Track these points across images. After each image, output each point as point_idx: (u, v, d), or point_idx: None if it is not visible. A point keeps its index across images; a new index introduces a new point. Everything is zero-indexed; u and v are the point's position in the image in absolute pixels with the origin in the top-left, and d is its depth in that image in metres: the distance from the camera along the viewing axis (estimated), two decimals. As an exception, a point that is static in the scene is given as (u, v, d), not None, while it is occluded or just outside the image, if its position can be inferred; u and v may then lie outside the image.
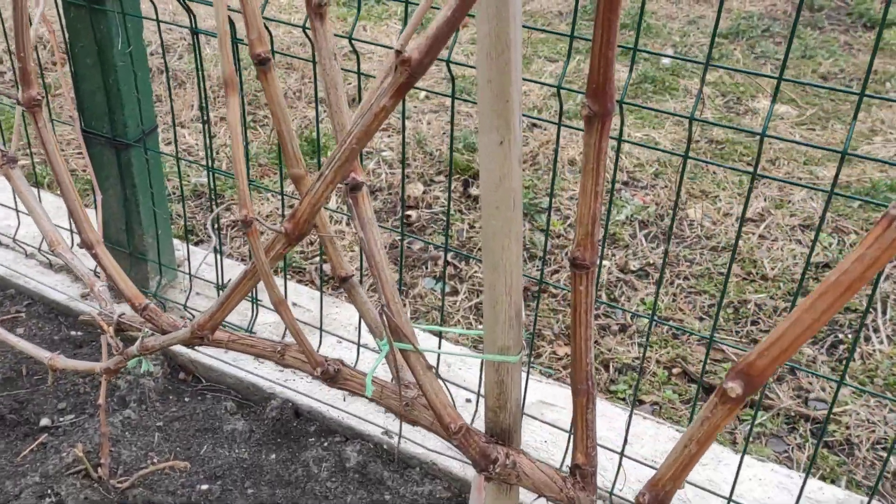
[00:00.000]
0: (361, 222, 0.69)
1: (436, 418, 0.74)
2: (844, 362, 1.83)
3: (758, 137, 3.41)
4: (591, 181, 0.64)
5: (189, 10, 1.35)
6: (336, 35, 0.86)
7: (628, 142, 1.19)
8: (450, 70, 1.17)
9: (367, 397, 0.80)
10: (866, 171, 3.09)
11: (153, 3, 1.43)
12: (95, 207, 1.35)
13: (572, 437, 0.79)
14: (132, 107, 1.62)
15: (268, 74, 0.74)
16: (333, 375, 0.82)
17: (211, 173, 1.54)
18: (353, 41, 1.17)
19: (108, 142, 1.65)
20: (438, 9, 0.58)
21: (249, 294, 1.25)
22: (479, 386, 1.47)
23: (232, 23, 1.10)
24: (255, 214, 0.70)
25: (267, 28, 0.91)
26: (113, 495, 1.42)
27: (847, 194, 2.22)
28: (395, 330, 0.72)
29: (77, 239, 1.05)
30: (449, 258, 2.46)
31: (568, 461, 1.22)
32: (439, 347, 1.49)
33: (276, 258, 0.74)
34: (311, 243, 2.52)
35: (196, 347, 0.89)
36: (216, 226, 1.81)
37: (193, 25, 1.38)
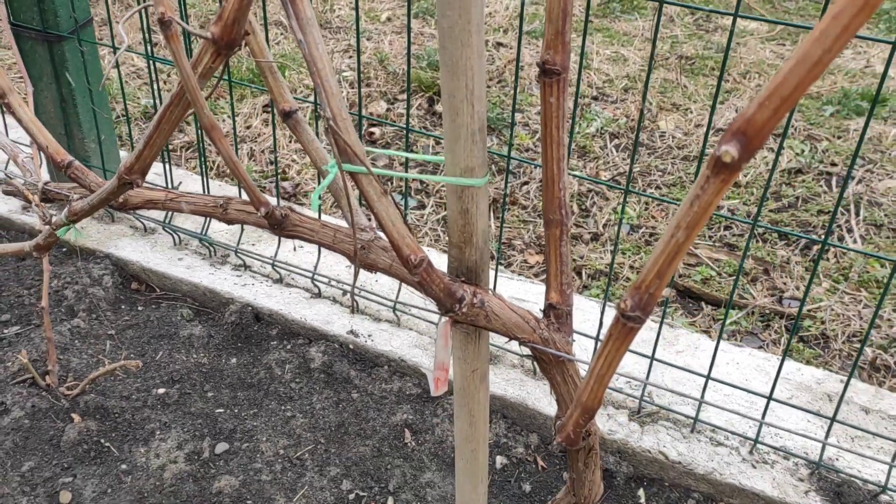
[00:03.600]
0: (299, 21, 0.60)
1: (394, 251, 0.66)
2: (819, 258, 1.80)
3: (730, 52, 3.33)
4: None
5: None
6: None
7: None
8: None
9: (315, 229, 0.72)
10: (837, 80, 3.05)
11: None
12: (28, 101, 1.24)
13: (546, 275, 0.72)
14: (63, -6, 1.49)
15: None
16: (280, 220, 0.74)
17: (152, 63, 1.43)
18: None
19: (39, 35, 1.53)
20: None
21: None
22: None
23: None
24: (173, 13, 0.61)
25: None
26: (63, 402, 1.34)
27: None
28: (344, 149, 0.64)
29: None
30: (415, 174, 2.37)
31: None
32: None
33: (205, 73, 0.65)
34: (272, 163, 2.42)
35: (145, 264, 0.80)
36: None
37: None
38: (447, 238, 0.73)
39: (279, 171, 2.35)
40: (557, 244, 0.70)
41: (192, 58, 0.65)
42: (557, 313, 0.72)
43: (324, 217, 1.65)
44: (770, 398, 1.18)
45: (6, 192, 0.94)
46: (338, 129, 0.63)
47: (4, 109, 0.86)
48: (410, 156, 0.69)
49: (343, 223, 1.57)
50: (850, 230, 2.18)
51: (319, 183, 0.75)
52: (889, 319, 1.86)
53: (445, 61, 0.63)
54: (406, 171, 1.63)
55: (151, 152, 0.72)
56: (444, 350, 0.74)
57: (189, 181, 1.82)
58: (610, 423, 1.29)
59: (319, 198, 0.71)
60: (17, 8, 1.53)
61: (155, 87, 1.70)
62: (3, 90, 0.82)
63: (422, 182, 2.36)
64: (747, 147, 0.47)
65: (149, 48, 1.44)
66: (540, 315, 0.74)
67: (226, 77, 1.46)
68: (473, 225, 0.69)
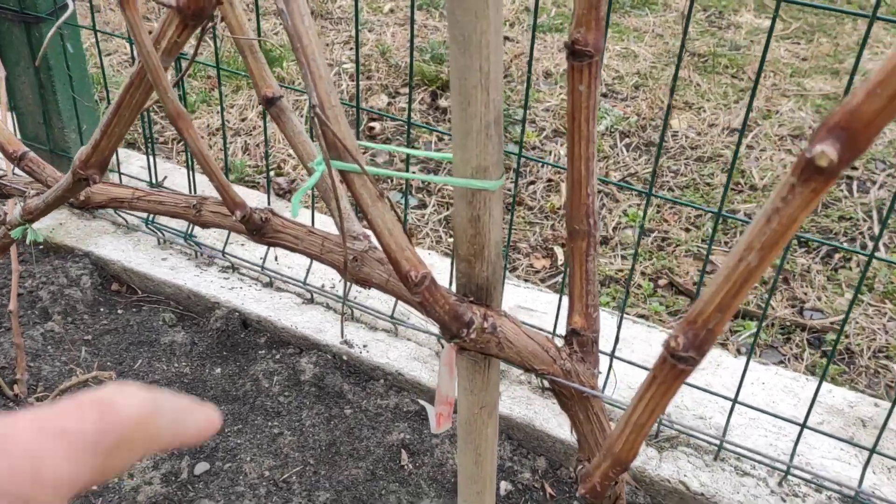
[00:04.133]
0: (282, -14, 0.49)
1: (391, 265, 0.55)
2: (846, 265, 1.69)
3: (741, 50, 3.22)
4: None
5: None
6: None
7: None
8: None
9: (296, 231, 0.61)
10: (856, 80, 2.93)
11: None
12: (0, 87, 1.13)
13: (567, 294, 0.62)
14: (40, -28, 1.39)
15: None
16: (260, 225, 0.63)
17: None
18: None
19: (15, 16, 1.42)
20: None
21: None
22: (451, 277, 1.30)
23: None
24: (131, -26, 0.50)
25: None
26: (29, 415, 1.23)
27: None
28: (333, 143, 0.53)
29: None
30: (416, 170, 2.27)
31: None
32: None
33: (170, 50, 0.54)
34: (268, 156, 2.31)
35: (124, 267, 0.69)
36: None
37: None
38: (453, 247, 0.62)
39: (274, 165, 2.25)
40: (583, 259, 0.60)
41: (155, 31, 0.54)
42: (581, 340, 0.62)
43: (317, 218, 1.54)
44: (804, 426, 1.08)
45: (-45, 187, 0.84)
46: (325, 118, 0.52)
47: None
48: (413, 152, 0.59)
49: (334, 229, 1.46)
50: (872, 238, 2.07)
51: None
52: (917, 334, 1.76)
53: (455, 37, 0.52)
54: (407, 170, 1.54)
55: (110, 143, 0.62)
56: (448, 381, 0.64)
57: (177, 175, 1.71)
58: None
59: (301, 201, 0.60)
60: (-9, -13, 1.42)
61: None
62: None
63: (421, 181, 2.25)
64: (850, 146, 0.36)
65: (131, 31, 1.33)
66: (558, 340, 0.63)
67: (214, 64, 1.36)
68: (485, 235, 0.58)
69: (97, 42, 1.39)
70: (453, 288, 1.25)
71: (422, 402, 1.26)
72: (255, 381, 1.33)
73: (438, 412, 0.65)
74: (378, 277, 0.62)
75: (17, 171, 0.85)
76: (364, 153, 1.68)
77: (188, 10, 0.51)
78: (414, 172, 2.25)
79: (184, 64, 1.42)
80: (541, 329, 1.27)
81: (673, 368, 0.46)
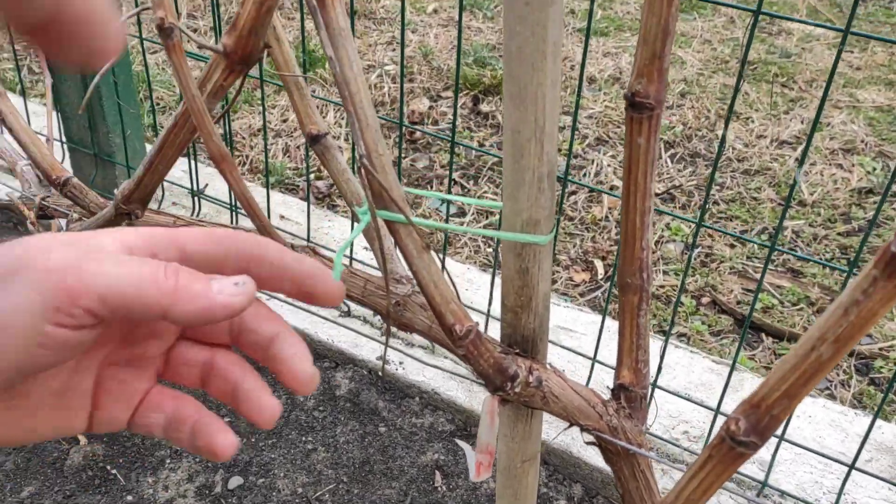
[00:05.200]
0: (330, 33, 0.47)
1: (435, 318, 0.54)
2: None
3: (793, 58, 3.13)
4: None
5: None
6: None
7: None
8: None
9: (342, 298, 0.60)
10: (912, 94, 2.84)
11: None
12: (46, 94, 1.14)
13: (618, 349, 0.59)
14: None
15: None
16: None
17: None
18: None
19: (64, 22, 1.43)
20: None
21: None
22: (489, 305, 1.28)
23: None
24: (176, 20, 0.49)
25: None
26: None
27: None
28: (380, 193, 0.51)
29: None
30: (456, 177, 2.25)
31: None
32: (443, 265, 1.29)
33: (215, 93, 0.53)
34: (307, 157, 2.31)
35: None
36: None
37: None
38: (501, 296, 0.60)
39: (315, 168, 2.25)
40: (635, 314, 0.57)
41: (202, 74, 0.53)
42: (629, 396, 0.59)
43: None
44: (852, 467, 1.04)
45: (2, 208, 0.85)
46: (372, 167, 0.51)
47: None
48: (463, 199, 0.57)
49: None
50: (927, 260, 2.00)
51: (351, 215, 0.62)
52: (971, 364, 1.69)
53: (510, 90, 0.50)
54: (450, 189, 1.50)
55: (153, 179, 0.61)
56: (489, 430, 0.62)
57: (217, 182, 1.71)
58: (664, 480, 1.16)
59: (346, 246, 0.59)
60: (41, -8, 1.43)
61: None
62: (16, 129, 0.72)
63: (463, 187, 2.23)
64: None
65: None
66: (598, 367, 0.61)
67: (257, 75, 1.35)
68: (533, 288, 0.56)
69: (142, 45, 1.39)
70: (494, 307, 1.23)
71: (461, 443, 1.25)
72: (290, 395, 1.32)
73: (478, 461, 0.64)
74: (421, 324, 0.60)
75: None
76: (406, 197, 1.66)
77: (235, 55, 0.50)
78: (458, 223, 2.23)
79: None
80: (581, 353, 1.24)
81: (731, 451, 0.43)
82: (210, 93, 0.53)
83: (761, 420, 0.41)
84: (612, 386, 0.61)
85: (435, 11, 3.38)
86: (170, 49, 0.50)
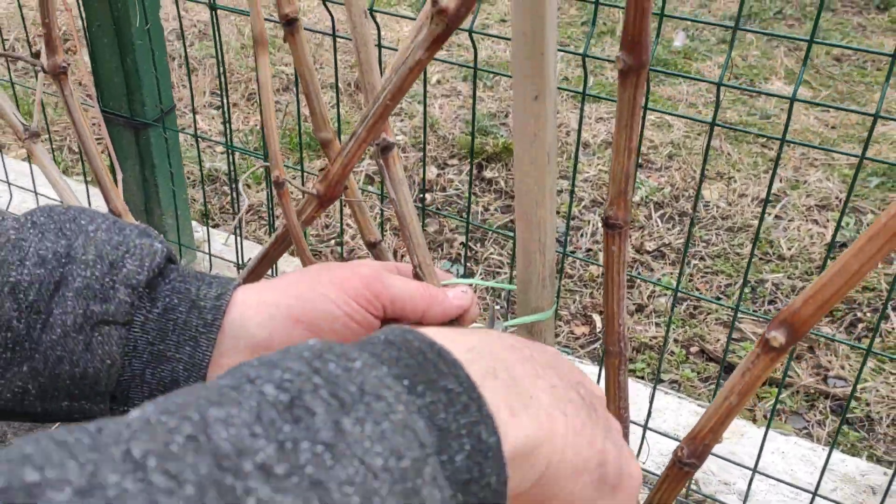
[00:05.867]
0: (393, 182, 0.68)
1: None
2: (871, 336, 1.82)
3: (772, 119, 3.37)
4: (625, 138, 0.64)
5: (208, -14, 1.35)
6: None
7: (656, 110, 1.19)
8: (472, 39, 1.16)
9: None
10: (882, 151, 3.07)
11: (171, -20, 1.42)
12: (115, 185, 1.35)
13: (605, 398, 0.79)
14: (150, 86, 1.62)
15: (296, 35, 0.74)
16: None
17: (230, 151, 1.54)
18: (374, 12, 1.17)
19: (126, 122, 1.66)
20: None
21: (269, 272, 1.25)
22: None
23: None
24: (286, 175, 0.70)
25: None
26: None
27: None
28: (428, 290, 0.72)
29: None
30: (465, 239, 2.46)
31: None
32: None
33: (307, 221, 0.74)
34: (327, 226, 2.52)
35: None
36: (237, 196, 1.82)
37: (212, 0, 1.38)
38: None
39: (334, 235, 2.46)
40: (616, 373, 0.77)
41: (299, 206, 0.74)
42: (615, 435, 0.79)
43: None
44: (815, 494, 1.22)
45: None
46: (423, 274, 0.71)
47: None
48: (483, 283, 0.77)
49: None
50: (895, 308, 2.20)
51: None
52: (935, 403, 1.87)
53: (521, 216, 0.71)
54: (465, 266, 1.72)
55: (257, 279, 0.81)
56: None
57: (256, 252, 1.92)
58: (657, 510, 1.34)
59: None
60: (107, 97, 1.67)
61: (233, 173, 1.80)
62: (119, 211, 0.93)
63: (471, 249, 2.44)
64: (793, 333, 0.54)
65: (228, 138, 1.55)
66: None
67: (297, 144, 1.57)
68: (540, 355, 0.76)
69: (197, 143, 1.61)
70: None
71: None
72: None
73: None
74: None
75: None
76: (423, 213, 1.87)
77: (325, 197, 0.71)
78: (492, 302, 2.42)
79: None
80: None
81: (680, 470, 0.63)
82: (304, 221, 0.74)
83: (697, 448, 0.61)
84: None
85: (438, 82, 3.64)
86: (281, 195, 0.71)
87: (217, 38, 1.41)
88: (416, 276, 0.72)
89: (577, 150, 1.21)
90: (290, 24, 0.74)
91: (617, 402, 0.79)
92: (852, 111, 1.42)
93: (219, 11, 1.37)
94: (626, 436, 0.82)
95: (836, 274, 0.50)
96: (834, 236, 1.17)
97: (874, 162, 2.98)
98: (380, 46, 1.24)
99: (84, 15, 1.58)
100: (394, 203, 0.71)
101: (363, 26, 0.69)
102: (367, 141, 0.66)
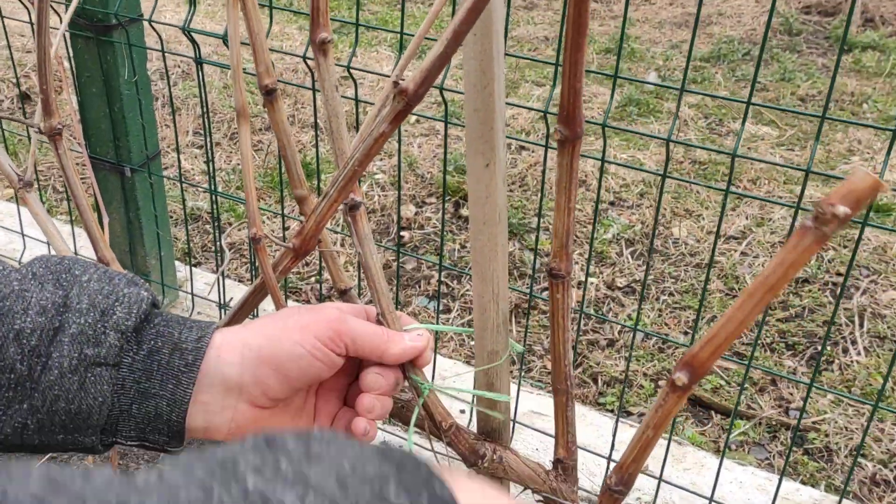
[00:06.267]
0: (359, 238, 0.76)
1: (428, 418, 0.80)
2: (815, 367, 1.90)
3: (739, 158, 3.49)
4: (564, 198, 0.72)
5: (193, 42, 1.43)
6: (337, 64, 0.94)
7: (612, 162, 1.27)
8: (442, 95, 1.25)
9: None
10: (845, 189, 3.19)
11: (159, 35, 1.51)
12: (101, 229, 1.42)
13: (554, 433, 0.86)
14: (136, 134, 1.70)
15: (274, 104, 0.82)
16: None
17: (213, 196, 1.61)
18: (350, 69, 1.26)
19: (112, 167, 1.73)
20: (432, 39, 0.66)
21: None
22: (473, 398, 1.54)
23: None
24: (263, 231, 0.77)
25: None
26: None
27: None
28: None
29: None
30: (441, 277, 2.53)
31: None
32: (434, 363, 1.55)
33: (283, 273, 0.81)
34: (307, 264, 2.59)
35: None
36: (220, 248, 1.88)
37: (197, 56, 1.46)
38: (476, 399, 0.88)
39: (315, 272, 2.53)
40: (564, 409, 0.85)
41: (275, 259, 0.82)
42: (564, 466, 0.86)
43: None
44: (766, 522, 1.29)
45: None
46: (386, 321, 0.79)
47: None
48: (442, 328, 0.84)
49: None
50: (853, 342, 2.29)
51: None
52: (890, 433, 1.96)
53: (477, 270, 0.78)
54: (439, 313, 1.80)
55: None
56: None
57: (237, 292, 1.98)
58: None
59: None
60: (94, 142, 1.74)
61: (217, 223, 1.87)
62: (107, 260, 1.00)
63: (447, 285, 2.52)
64: (694, 374, 0.62)
65: (212, 184, 1.63)
66: (550, 466, 0.87)
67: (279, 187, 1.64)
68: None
69: (181, 188, 1.68)
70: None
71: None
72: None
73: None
74: (419, 420, 0.87)
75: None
76: (398, 258, 1.93)
77: (300, 250, 0.78)
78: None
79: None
80: (550, 434, 1.50)
81: (612, 496, 0.70)
82: (280, 272, 0.81)
83: (623, 477, 0.68)
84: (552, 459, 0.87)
85: (417, 121, 3.75)
86: (258, 250, 0.78)
87: (202, 90, 1.48)
88: (380, 322, 0.79)
89: (542, 189, 1.29)
90: (269, 93, 0.82)
91: (566, 436, 0.86)
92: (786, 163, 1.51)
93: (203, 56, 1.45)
94: (574, 467, 0.89)
95: (724, 324, 0.58)
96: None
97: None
98: (356, 101, 1.32)
99: (74, 65, 1.66)
100: (360, 257, 0.78)
101: (335, 100, 0.77)
102: (338, 201, 0.73)
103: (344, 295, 0.93)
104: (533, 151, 3.41)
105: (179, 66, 3.90)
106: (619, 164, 1.35)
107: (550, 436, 1.53)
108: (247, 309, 0.88)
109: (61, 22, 1.42)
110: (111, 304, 0.60)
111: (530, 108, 1.55)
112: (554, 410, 0.85)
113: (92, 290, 0.60)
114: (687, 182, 2.10)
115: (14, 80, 2.52)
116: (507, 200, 0.75)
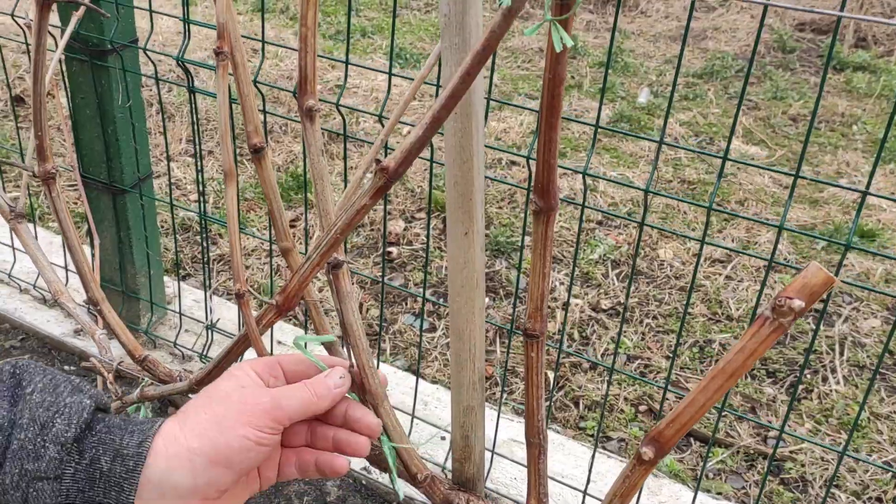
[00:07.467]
0: (340, 296, 0.78)
1: (405, 469, 0.83)
2: (789, 404, 1.94)
3: (727, 176, 3.52)
4: (540, 264, 0.75)
5: (187, 71, 1.45)
6: (323, 101, 0.96)
7: (598, 177, 1.30)
8: (430, 144, 1.27)
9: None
10: (830, 213, 3.23)
11: (152, 61, 1.53)
12: (92, 250, 1.44)
13: (527, 485, 0.89)
14: (129, 155, 1.72)
15: (262, 161, 0.84)
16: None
17: (203, 220, 1.63)
18: (340, 106, 1.28)
19: (104, 187, 1.75)
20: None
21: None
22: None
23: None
24: (247, 287, 0.80)
25: (258, 89, 1.01)
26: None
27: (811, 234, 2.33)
28: (367, 389, 0.81)
29: (67, 277, 1.11)
30: (428, 295, 2.56)
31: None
32: (416, 388, 1.58)
33: (266, 326, 0.84)
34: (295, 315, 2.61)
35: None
36: (207, 284, 1.90)
37: (191, 84, 1.48)
38: (451, 447, 0.90)
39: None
40: (536, 462, 0.87)
41: (258, 315, 0.84)
42: (537, 517, 0.89)
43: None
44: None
45: (84, 367, 1.13)
46: (364, 374, 0.81)
47: (96, 313, 1.05)
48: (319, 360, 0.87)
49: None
50: (833, 370, 2.33)
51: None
52: (864, 464, 1.99)
53: (454, 330, 0.81)
54: (423, 309, 1.82)
55: (219, 373, 0.91)
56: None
57: (224, 311, 2.00)
58: (593, 571, 1.43)
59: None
60: (87, 162, 1.75)
61: (205, 244, 1.89)
62: (97, 299, 1.02)
63: (434, 304, 2.54)
64: (660, 449, 0.65)
65: (202, 206, 1.65)
66: (523, 516, 0.90)
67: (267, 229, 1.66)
68: (472, 448, 0.86)
69: (171, 209, 1.70)
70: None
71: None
72: (288, 500, 1.59)
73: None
74: (396, 469, 0.90)
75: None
76: (382, 277, 1.96)
77: (283, 307, 0.81)
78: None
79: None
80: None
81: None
82: (263, 326, 0.83)
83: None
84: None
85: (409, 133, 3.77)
86: (242, 305, 0.80)
87: (195, 119, 1.50)
88: (360, 377, 0.82)
89: (522, 238, 1.32)
90: (257, 152, 0.84)
91: (537, 487, 0.89)
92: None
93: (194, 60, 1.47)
94: (546, 518, 0.92)
95: (687, 406, 0.61)
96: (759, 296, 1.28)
97: (822, 223, 3.14)
98: (345, 136, 1.34)
99: (68, 87, 1.67)
100: (340, 315, 0.81)
101: (320, 164, 0.79)
102: (319, 265, 0.76)
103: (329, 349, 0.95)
104: (523, 167, 3.43)
105: (174, 71, 3.92)
106: (605, 179, 1.38)
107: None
108: (232, 356, 0.90)
109: (56, 47, 1.44)
110: (51, 416, 0.62)
111: (513, 154, 1.57)
112: (527, 462, 0.88)
113: (34, 403, 0.62)
114: (673, 199, 2.12)
115: (6, 83, 2.53)
116: (484, 266, 0.78)
